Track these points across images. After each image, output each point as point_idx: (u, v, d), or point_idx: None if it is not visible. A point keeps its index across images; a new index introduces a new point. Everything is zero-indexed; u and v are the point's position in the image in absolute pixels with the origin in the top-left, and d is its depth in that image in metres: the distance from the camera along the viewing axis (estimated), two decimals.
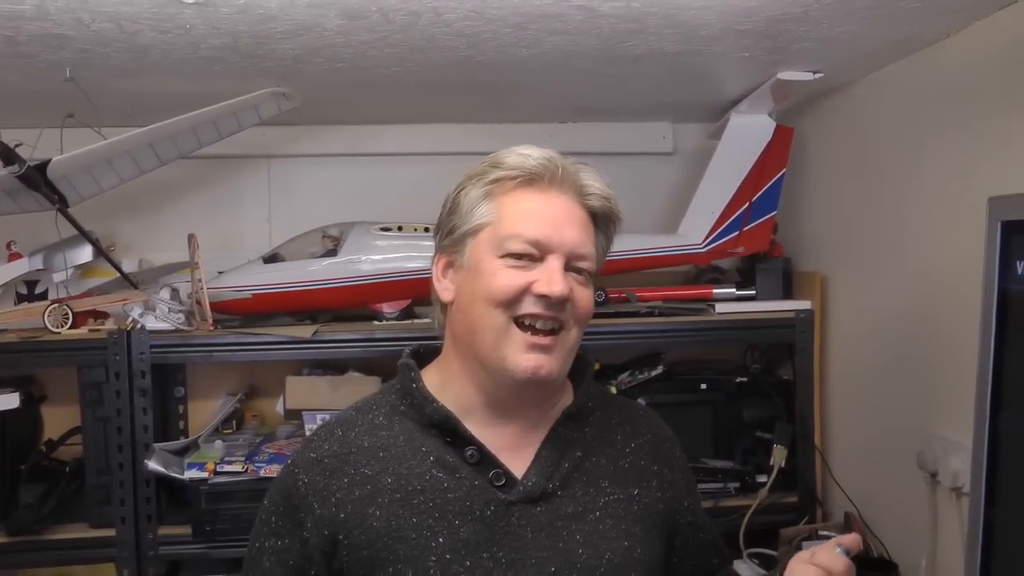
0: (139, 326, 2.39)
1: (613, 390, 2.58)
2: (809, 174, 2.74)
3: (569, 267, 1.31)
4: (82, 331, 2.43)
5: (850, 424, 2.55)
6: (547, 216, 1.31)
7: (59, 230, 2.42)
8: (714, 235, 2.64)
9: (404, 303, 2.53)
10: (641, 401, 2.57)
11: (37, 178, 2.26)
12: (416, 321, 2.53)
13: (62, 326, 2.39)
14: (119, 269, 2.50)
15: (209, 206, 2.86)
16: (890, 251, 2.30)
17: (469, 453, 1.32)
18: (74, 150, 2.26)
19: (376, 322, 2.54)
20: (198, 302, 2.43)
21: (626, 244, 2.57)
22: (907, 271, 2.22)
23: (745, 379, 2.69)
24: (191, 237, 2.44)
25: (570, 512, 1.33)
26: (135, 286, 2.49)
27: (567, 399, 1.42)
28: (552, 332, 1.30)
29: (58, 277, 2.52)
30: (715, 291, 2.69)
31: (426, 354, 1.45)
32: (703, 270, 2.81)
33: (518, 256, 1.29)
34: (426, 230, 2.50)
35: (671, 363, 2.71)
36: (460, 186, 1.37)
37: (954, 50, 2.00)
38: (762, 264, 2.70)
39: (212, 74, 2.12)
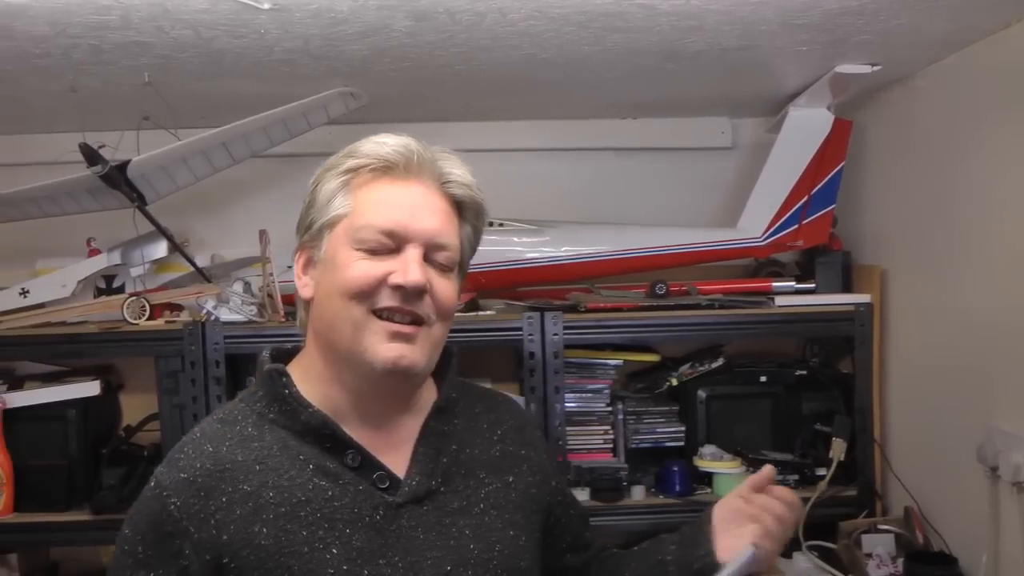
0: (213, 318, 2.47)
1: (674, 382, 2.63)
2: (868, 167, 2.72)
3: (429, 258, 1.26)
4: (159, 323, 2.50)
5: (909, 417, 2.54)
6: (403, 205, 1.25)
7: (136, 227, 2.52)
8: (773, 228, 2.65)
9: (469, 295, 2.58)
10: (701, 393, 2.62)
11: (118, 177, 2.36)
12: (480, 313, 2.57)
13: (140, 318, 2.47)
14: (193, 264, 2.59)
15: (279, 203, 2.85)
16: (950, 244, 2.28)
17: (350, 457, 1.26)
18: (151, 150, 2.35)
19: None
20: (269, 295, 2.50)
21: (686, 238, 2.62)
22: (968, 264, 2.21)
23: (804, 372, 2.69)
24: (262, 233, 2.52)
25: (455, 508, 1.30)
26: (208, 280, 2.57)
27: (432, 394, 1.37)
28: (413, 323, 1.25)
29: (135, 271, 2.61)
30: (775, 284, 2.69)
31: (280, 358, 1.36)
32: (763, 264, 2.81)
33: (373, 247, 1.24)
34: (489, 225, 2.55)
35: (731, 355, 2.72)
36: (316, 179, 1.31)
37: (1014, 40, 1.98)
38: (821, 257, 2.69)
39: (283, 76, 2.19)
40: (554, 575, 1.48)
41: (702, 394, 2.64)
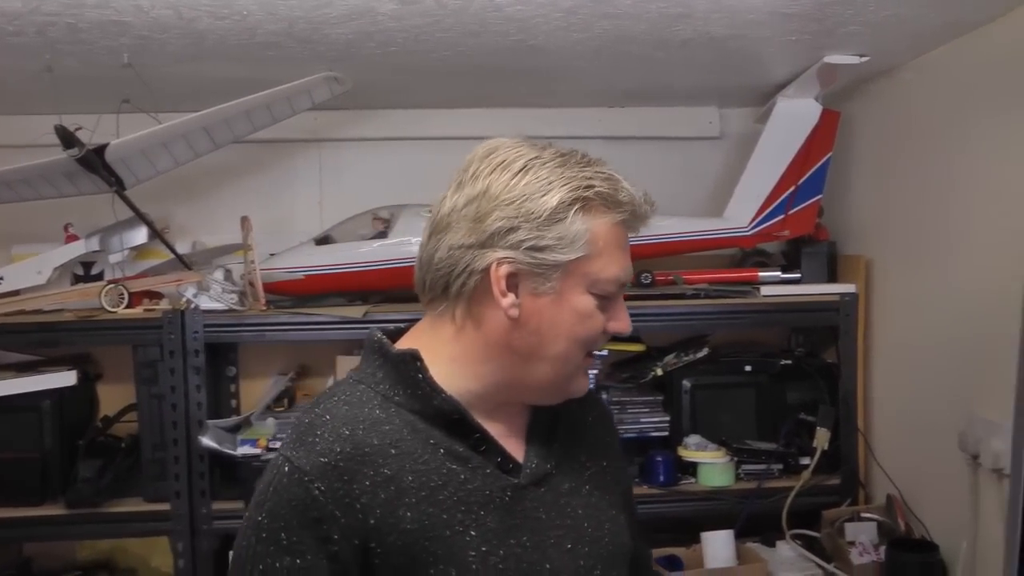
0: (193, 306, 2.44)
1: (659, 371, 2.62)
2: (855, 158, 2.72)
3: None
4: (137, 311, 2.47)
5: (893, 407, 2.55)
6: (628, 253, 1.28)
7: (115, 212, 2.48)
8: (760, 218, 2.64)
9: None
10: (686, 383, 2.62)
11: (96, 161, 2.32)
12: None
13: (118, 306, 2.44)
14: (173, 251, 2.55)
15: (262, 189, 2.88)
16: (935, 235, 2.29)
17: (476, 441, 1.27)
18: (130, 134, 2.31)
19: None
20: (251, 283, 2.48)
21: (673, 227, 2.60)
22: (952, 255, 2.21)
23: (789, 362, 2.70)
24: (244, 219, 2.48)
25: (567, 488, 1.34)
26: (189, 267, 2.54)
27: None
28: None
29: (114, 258, 2.57)
30: (760, 274, 2.69)
31: (392, 338, 1.35)
32: (748, 253, 2.80)
33: (606, 296, 1.26)
34: None
35: (716, 345, 2.72)
36: (562, 201, 1.20)
37: (1000, 33, 1.99)
38: (807, 248, 2.69)
39: (267, 59, 2.16)
40: None
41: (687, 384, 2.64)
